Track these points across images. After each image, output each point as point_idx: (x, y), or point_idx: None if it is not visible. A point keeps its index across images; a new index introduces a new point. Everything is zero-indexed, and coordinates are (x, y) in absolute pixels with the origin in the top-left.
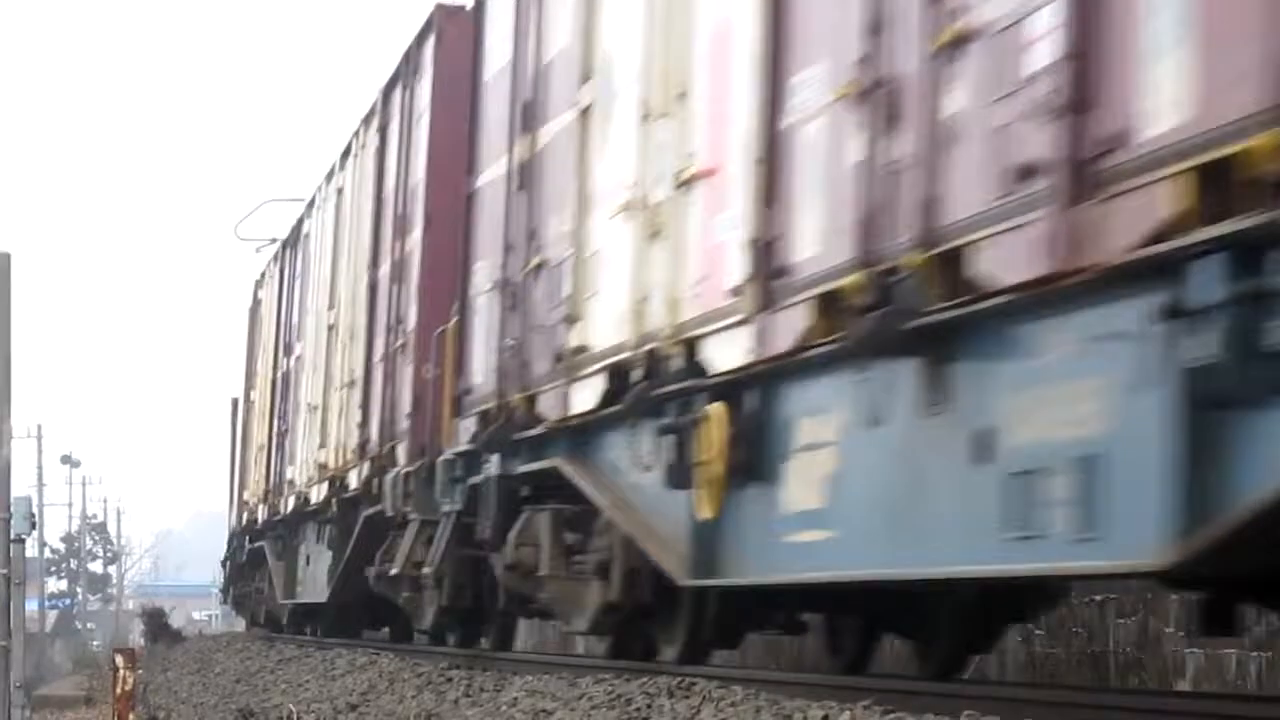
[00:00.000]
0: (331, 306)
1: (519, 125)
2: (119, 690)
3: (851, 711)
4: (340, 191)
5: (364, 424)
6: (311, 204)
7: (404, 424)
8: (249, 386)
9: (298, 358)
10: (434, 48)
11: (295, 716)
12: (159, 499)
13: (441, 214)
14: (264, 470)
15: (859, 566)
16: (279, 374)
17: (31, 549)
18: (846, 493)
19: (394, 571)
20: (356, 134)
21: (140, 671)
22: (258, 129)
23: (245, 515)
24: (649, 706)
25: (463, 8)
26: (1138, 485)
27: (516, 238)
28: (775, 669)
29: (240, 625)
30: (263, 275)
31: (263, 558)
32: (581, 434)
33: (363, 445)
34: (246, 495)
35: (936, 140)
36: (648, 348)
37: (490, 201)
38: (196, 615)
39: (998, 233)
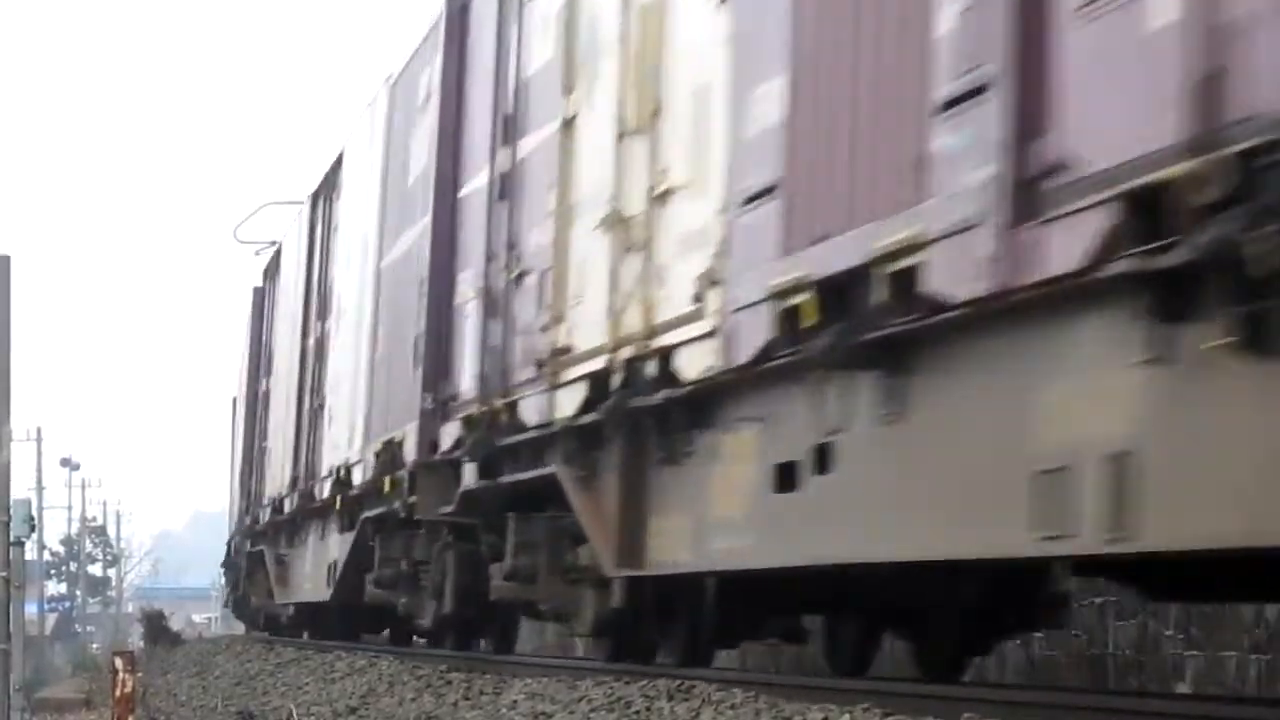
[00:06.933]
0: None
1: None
2: (118, 693)
3: (851, 714)
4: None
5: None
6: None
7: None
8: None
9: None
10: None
11: (295, 718)
12: (158, 501)
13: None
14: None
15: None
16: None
17: (31, 552)
18: None
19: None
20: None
21: (140, 674)
22: (257, 131)
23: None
24: (648, 709)
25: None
26: None
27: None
28: (775, 672)
29: (240, 628)
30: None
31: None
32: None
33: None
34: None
35: None
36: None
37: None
38: (196, 618)
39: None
